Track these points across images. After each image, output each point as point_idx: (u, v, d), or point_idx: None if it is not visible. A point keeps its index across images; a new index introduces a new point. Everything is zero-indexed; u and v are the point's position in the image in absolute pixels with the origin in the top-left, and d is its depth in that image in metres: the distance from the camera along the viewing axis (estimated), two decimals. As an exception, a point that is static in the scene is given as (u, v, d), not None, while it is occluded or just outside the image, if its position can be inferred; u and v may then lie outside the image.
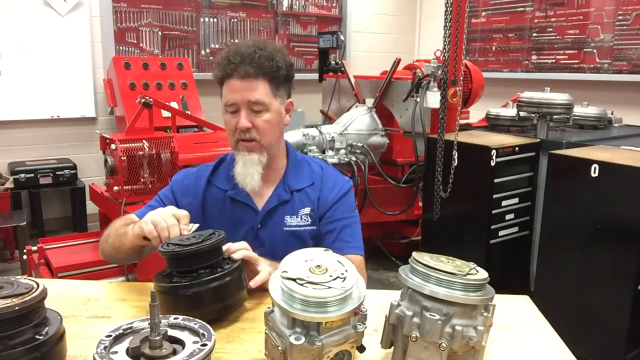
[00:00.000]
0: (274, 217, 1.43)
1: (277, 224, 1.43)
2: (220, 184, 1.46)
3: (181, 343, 0.82)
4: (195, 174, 1.50)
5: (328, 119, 4.08)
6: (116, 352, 0.79)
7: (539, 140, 2.84)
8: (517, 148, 2.73)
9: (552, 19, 4.87)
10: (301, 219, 1.43)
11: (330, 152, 3.49)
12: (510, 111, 3.30)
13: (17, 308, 0.78)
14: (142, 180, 2.73)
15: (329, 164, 1.59)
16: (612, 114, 3.65)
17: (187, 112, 3.86)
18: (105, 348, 0.78)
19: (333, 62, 4.04)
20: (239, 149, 1.38)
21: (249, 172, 1.37)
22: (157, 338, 0.80)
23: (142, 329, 0.84)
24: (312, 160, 1.54)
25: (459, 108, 2.96)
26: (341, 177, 1.52)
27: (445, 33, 2.86)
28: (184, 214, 1.19)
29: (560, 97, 2.89)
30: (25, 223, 3.42)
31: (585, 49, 4.65)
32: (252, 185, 1.38)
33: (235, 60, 1.33)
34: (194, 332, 0.84)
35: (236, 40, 5.05)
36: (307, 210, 1.44)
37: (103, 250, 1.39)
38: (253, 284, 1.14)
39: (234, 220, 1.42)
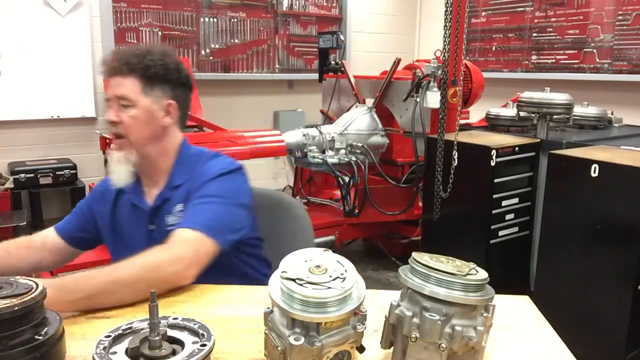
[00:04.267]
0: (159, 217, 1.41)
1: (162, 224, 1.40)
2: (128, 191, 1.47)
3: (181, 343, 0.82)
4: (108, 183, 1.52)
5: (328, 119, 4.08)
6: (115, 353, 0.79)
7: (539, 140, 2.84)
8: (517, 148, 2.73)
9: (552, 19, 4.87)
10: (176, 217, 1.38)
11: (330, 152, 3.49)
12: (510, 111, 3.29)
13: (16, 308, 0.78)
14: (142, 180, 2.72)
15: (221, 155, 1.50)
16: (612, 114, 3.65)
17: (187, 112, 3.85)
18: (104, 348, 0.78)
19: (333, 62, 4.04)
20: (112, 145, 1.42)
21: (116, 170, 1.39)
22: (157, 338, 0.80)
23: (142, 329, 0.84)
24: (203, 156, 1.47)
25: (459, 108, 2.96)
26: (219, 165, 1.42)
27: (445, 33, 2.86)
28: None
29: (560, 97, 2.89)
30: (25, 223, 3.42)
31: (585, 49, 4.65)
32: (120, 183, 1.39)
33: (109, 59, 1.40)
34: (194, 332, 0.84)
35: (236, 41, 5.05)
36: (180, 206, 1.39)
37: None
38: None
39: (135, 224, 1.44)
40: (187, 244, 1.22)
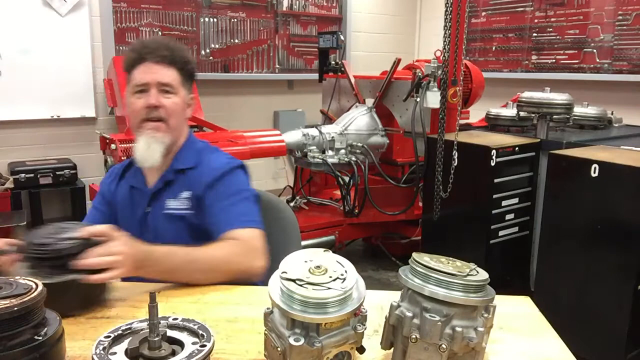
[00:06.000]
0: (158, 200, 1.47)
1: (160, 207, 1.46)
2: (128, 178, 1.54)
3: (180, 344, 0.82)
4: (115, 173, 1.57)
5: (328, 119, 4.08)
6: (115, 353, 0.79)
7: (539, 140, 2.84)
8: (517, 148, 2.73)
9: (552, 19, 4.87)
10: (181, 203, 1.45)
11: (330, 152, 3.49)
12: (510, 111, 3.29)
13: (16, 309, 0.78)
14: (142, 180, 2.72)
15: (219, 149, 1.59)
16: (612, 114, 3.65)
17: (187, 112, 3.85)
18: (104, 349, 0.78)
19: (333, 62, 4.04)
20: (145, 127, 1.43)
21: (150, 149, 1.42)
22: (156, 339, 0.80)
23: (141, 329, 0.84)
24: (207, 148, 1.56)
25: (459, 108, 2.96)
26: (223, 159, 1.50)
27: (445, 33, 2.86)
28: None
29: (560, 97, 2.89)
30: (25, 223, 3.42)
31: (585, 49, 4.65)
32: (151, 162, 1.42)
33: (152, 45, 1.43)
34: (193, 332, 0.84)
35: (236, 41, 5.05)
36: (186, 194, 1.45)
37: None
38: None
39: (130, 207, 1.49)
40: (255, 240, 1.33)
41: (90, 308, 1.12)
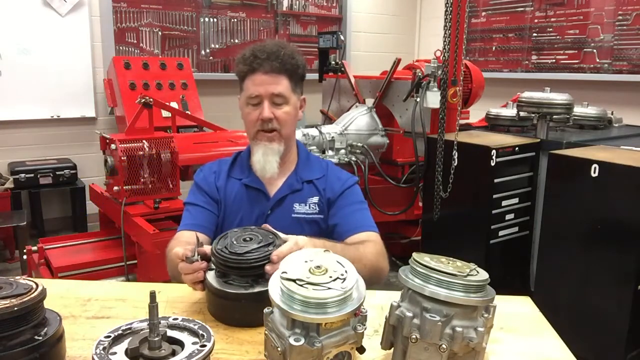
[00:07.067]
0: (283, 204, 1.53)
1: (286, 211, 1.51)
2: (237, 175, 1.57)
3: (180, 344, 0.82)
4: (217, 170, 1.60)
5: (328, 119, 4.08)
6: (115, 353, 0.79)
7: (539, 140, 2.84)
8: (517, 148, 2.73)
9: (552, 19, 4.87)
10: (309, 207, 1.52)
11: (330, 152, 3.49)
12: (510, 111, 3.29)
13: (16, 309, 0.78)
14: (142, 180, 2.72)
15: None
16: (612, 114, 3.65)
17: (187, 112, 3.85)
18: (104, 349, 0.78)
19: (333, 62, 4.04)
20: (259, 138, 1.48)
21: (268, 160, 1.47)
22: (156, 339, 0.80)
23: (142, 329, 0.84)
24: (318, 157, 1.67)
25: (459, 108, 2.95)
26: (346, 172, 1.64)
27: (445, 33, 2.86)
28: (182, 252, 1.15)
29: (560, 97, 2.89)
30: (25, 223, 3.41)
31: (585, 49, 4.65)
32: (271, 173, 1.48)
33: (262, 56, 1.44)
34: (194, 332, 0.84)
35: (236, 41, 5.05)
36: (315, 199, 1.53)
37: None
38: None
39: (247, 206, 1.52)
40: (381, 243, 1.45)
41: None
